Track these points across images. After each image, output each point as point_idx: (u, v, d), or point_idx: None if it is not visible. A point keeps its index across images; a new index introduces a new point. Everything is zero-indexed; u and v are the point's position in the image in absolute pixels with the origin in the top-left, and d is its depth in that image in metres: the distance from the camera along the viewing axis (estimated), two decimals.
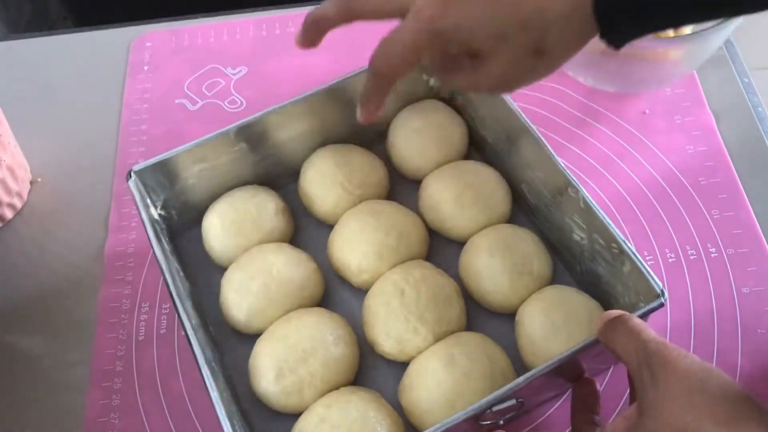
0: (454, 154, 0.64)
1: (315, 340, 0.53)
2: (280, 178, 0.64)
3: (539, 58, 0.42)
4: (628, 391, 0.53)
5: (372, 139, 0.66)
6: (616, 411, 0.54)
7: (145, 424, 0.55)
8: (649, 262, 0.60)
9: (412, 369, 0.53)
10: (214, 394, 0.47)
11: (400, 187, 0.65)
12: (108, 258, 0.63)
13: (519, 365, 0.54)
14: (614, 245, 0.51)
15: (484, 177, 0.61)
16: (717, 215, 0.62)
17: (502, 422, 0.49)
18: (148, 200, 0.57)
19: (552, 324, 0.52)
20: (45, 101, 0.75)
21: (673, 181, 0.64)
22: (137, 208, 0.55)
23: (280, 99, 0.59)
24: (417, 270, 0.56)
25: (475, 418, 0.46)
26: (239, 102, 0.73)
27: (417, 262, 0.57)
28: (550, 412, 0.54)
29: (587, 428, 0.47)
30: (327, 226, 0.62)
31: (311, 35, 0.50)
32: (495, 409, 0.46)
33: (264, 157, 0.62)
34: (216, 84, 0.75)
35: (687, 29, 0.68)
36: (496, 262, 0.56)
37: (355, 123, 0.64)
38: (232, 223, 0.59)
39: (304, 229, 0.64)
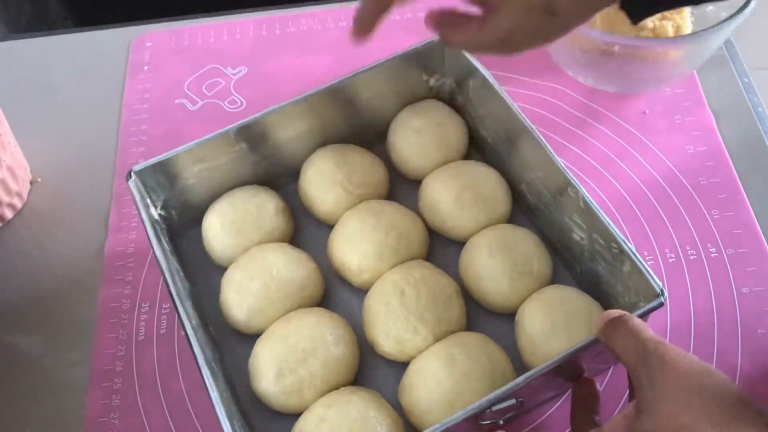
0: (454, 154, 0.64)
1: (315, 340, 0.53)
2: (280, 178, 0.64)
3: (550, 17, 0.41)
4: (628, 390, 0.53)
5: (372, 139, 0.66)
6: (616, 411, 0.54)
7: (145, 424, 0.55)
8: (649, 262, 0.60)
9: (412, 369, 0.53)
10: (214, 394, 0.47)
11: (400, 187, 0.65)
12: (108, 258, 0.63)
13: (519, 365, 0.54)
14: (614, 245, 0.51)
15: (484, 177, 0.61)
16: (717, 215, 0.62)
17: (502, 422, 0.49)
18: (148, 200, 0.57)
19: (552, 324, 0.52)
20: (45, 101, 0.75)
21: (673, 181, 0.64)
22: (137, 208, 0.55)
23: (280, 99, 0.59)
24: (417, 270, 0.56)
25: (475, 418, 0.46)
26: (239, 102, 0.73)
27: (417, 262, 0.57)
28: (550, 412, 0.54)
29: (587, 428, 0.47)
30: (327, 226, 0.62)
31: (363, 25, 0.48)
32: (495, 408, 0.46)
33: (264, 157, 0.62)
34: (216, 84, 0.75)
35: (687, 29, 0.68)
36: (496, 262, 0.56)
37: (356, 123, 0.64)
38: (232, 223, 0.59)
39: (304, 229, 0.64)
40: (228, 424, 0.46)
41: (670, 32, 0.66)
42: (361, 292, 0.58)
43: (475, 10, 0.46)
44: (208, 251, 0.61)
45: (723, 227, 0.62)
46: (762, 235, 0.61)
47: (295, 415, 0.52)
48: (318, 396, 0.52)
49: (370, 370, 0.56)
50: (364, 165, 0.62)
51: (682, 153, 0.66)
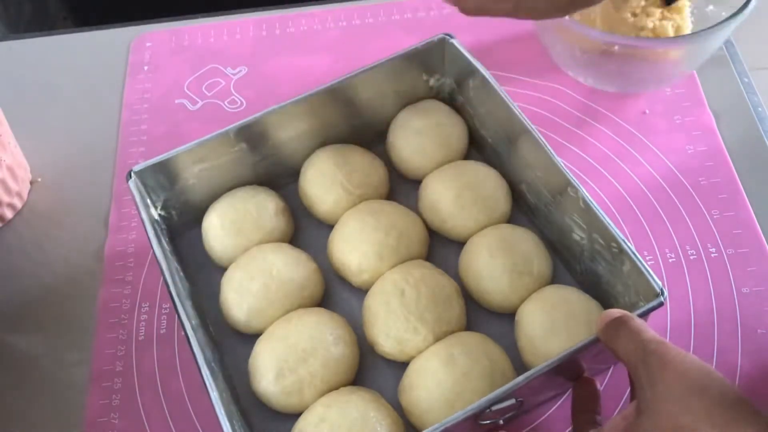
0: (454, 154, 0.64)
1: (315, 340, 0.53)
2: (280, 178, 0.64)
3: None
4: (629, 390, 0.53)
5: (372, 139, 0.66)
6: (616, 411, 0.54)
7: (145, 424, 0.55)
8: (649, 262, 0.60)
9: (412, 369, 0.53)
10: (214, 394, 0.47)
11: (400, 187, 0.65)
12: (108, 258, 0.63)
13: (519, 365, 0.54)
14: (614, 245, 0.51)
15: (484, 177, 0.61)
16: (717, 215, 0.62)
17: (501, 422, 0.49)
18: (148, 200, 0.57)
19: (552, 324, 0.52)
20: (45, 101, 0.75)
21: (673, 181, 0.64)
22: (137, 208, 0.55)
23: (280, 99, 0.59)
24: (417, 270, 0.56)
25: (475, 418, 0.46)
26: (239, 102, 0.73)
27: (417, 262, 0.57)
28: (550, 412, 0.54)
29: (588, 428, 0.47)
30: (327, 226, 0.62)
31: None
32: (494, 408, 0.46)
33: (264, 157, 0.62)
34: (216, 84, 0.75)
35: (687, 29, 0.68)
36: (496, 262, 0.56)
37: (356, 123, 0.64)
38: (232, 223, 0.59)
39: (304, 229, 0.64)
40: (228, 424, 0.46)
41: (670, 32, 0.66)
42: (361, 292, 0.58)
43: None
44: (208, 251, 0.61)
45: (723, 227, 0.62)
46: (762, 235, 0.61)
47: (295, 415, 0.52)
48: (318, 396, 0.52)
49: (370, 370, 0.56)
50: (364, 165, 0.62)
51: (682, 153, 0.66)
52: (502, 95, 0.58)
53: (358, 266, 0.58)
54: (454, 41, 0.61)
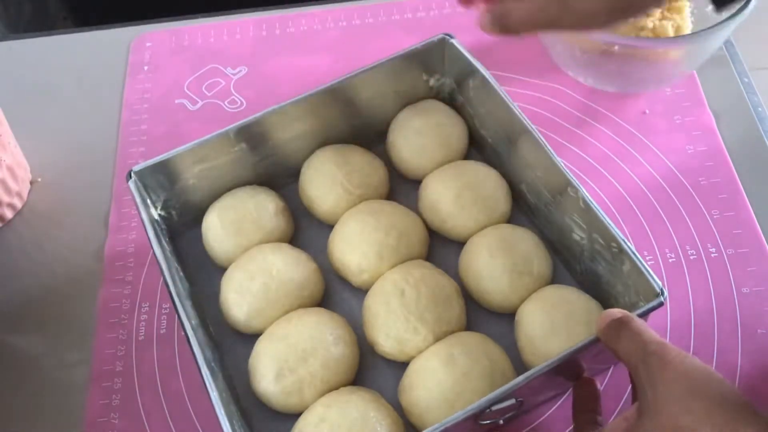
0: (454, 154, 0.64)
1: (315, 340, 0.53)
2: (280, 178, 0.64)
3: None
4: (629, 389, 0.53)
5: (372, 139, 0.66)
6: (617, 411, 0.54)
7: (145, 424, 0.55)
8: (649, 262, 0.60)
9: (411, 369, 0.53)
10: (214, 394, 0.47)
11: (400, 187, 0.65)
12: (108, 258, 0.63)
13: (519, 365, 0.54)
14: (614, 245, 0.51)
15: (484, 177, 0.61)
16: (717, 215, 0.62)
17: (501, 422, 0.49)
18: (148, 200, 0.57)
19: (552, 323, 0.52)
20: (45, 101, 0.75)
21: (673, 181, 0.64)
22: (137, 208, 0.55)
23: (280, 99, 0.59)
24: (417, 270, 0.56)
25: (475, 418, 0.46)
26: (239, 102, 0.73)
27: (417, 262, 0.57)
28: (550, 412, 0.54)
29: (589, 429, 0.47)
30: (327, 226, 0.62)
31: None
32: (494, 408, 0.46)
33: (264, 157, 0.62)
34: (216, 84, 0.75)
35: (687, 29, 0.68)
36: (496, 262, 0.56)
37: (356, 123, 0.64)
38: (232, 223, 0.59)
39: (304, 229, 0.64)
40: (228, 424, 0.46)
41: (670, 32, 0.66)
42: (361, 292, 0.58)
43: None
44: (208, 251, 0.61)
45: (723, 227, 0.62)
46: (762, 235, 0.61)
47: (295, 415, 0.52)
48: (318, 396, 0.52)
49: (370, 370, 0.56)
50: (364, 165, 0.62)
51: (682, 153, 0.66)
52: (502, 95, 0.58)
53: (358, 266, 0.57)
54: (454, 41, 0.61)
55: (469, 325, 0.56)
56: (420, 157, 0.63)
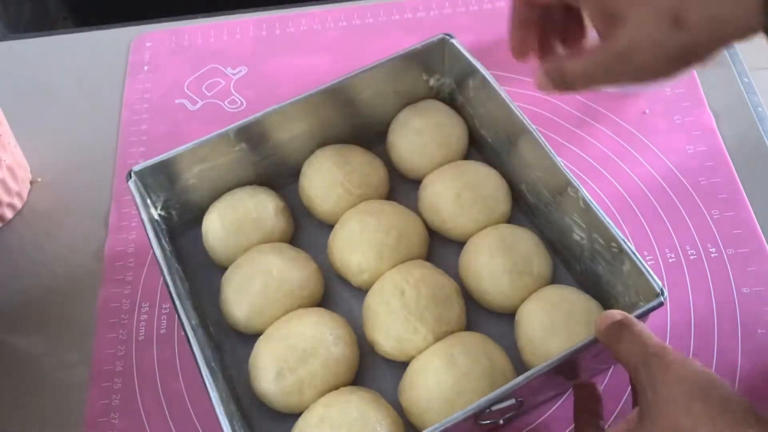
0: (454, 154, 0.64)
1: (315, 340, 0.53)
2: (280, 178, 0.64)
3: (676, 28, 0.36)
4: (629, 391, 0.53)
5: (372, 139, 0.66)
6: (617, 411, 0.54)
7: (145, 424, 0.55)
8: (649, 262, 0.60)
9: (411, 369, 0.53)
10: (214, 394, 0.47)
11: (400, 187, 0.65)
12: (108, 258, 0.63)
13: (519, 365, 0.54)
14: (614, 245, 0.51)
15: (484, 177, 0.61)
16: (717, 215, 0.62)
17: (501, 422, 0.49)
18: (148, 200, 0.57)
19: (552, 323, 0.52)
20: (45, 101, 0.75)
21: (673, 181, 0.64)
22: (137, 208, 0.55)
23: (280, 99, 0.59)
24: (417, 270, 0.56)
25: (475, 418, 0.46)
26: (239, 102, 0.73)
27: (417, 262, 0.57)
28: (550, 412, 0.54)
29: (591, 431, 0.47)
30: (327, 226, 0.62)
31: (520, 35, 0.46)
32: (494, 408, 0.46)
33: (264, 157, 0.62)
34: (216, 84, 0.75)
35: None
36: (496, 262, 0.56)
37: (356, 123, 0.64)
38: (232, 223, 0.59)
39: (304, 229, 0.64)
40: (228, 424, 0.46)
41: None
42: (361, 292, 0.58)
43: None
44: (208, 251, 0.61)
45: (723, 227, 0.62)
46: (762, 235, 0.61)
47: (295, 415, 0.52)
48: (318, 396, 0.52)
49: (370, 370, 0.56)
50: (364, 165, 0.62)
51: (682, 153, 0.66)
52: (502, 95, 0.58)
53: (358, 266, 0.57)
54: (454, 41, 0.61)
55: (469, 325, 0.56)
56: (420, 157, 0.63)
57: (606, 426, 0.47)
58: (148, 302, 0.61)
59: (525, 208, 0.62)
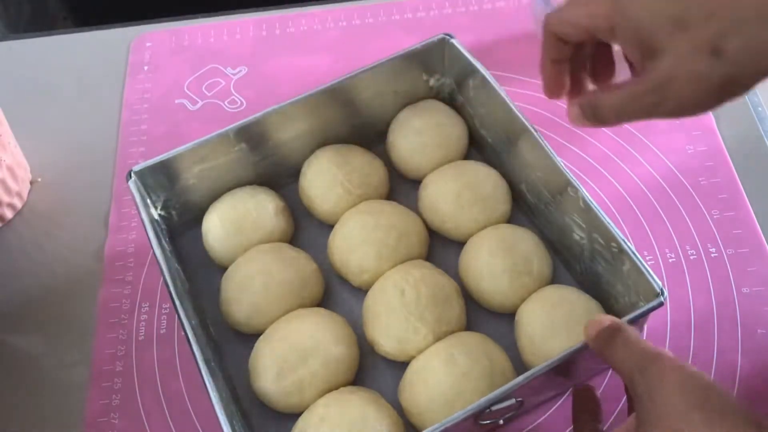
0: (454, 154, 0.64)
1: (315, 340, 0.53)
2: (280, 178, 0.64)
3: (715, 60, 0.36)
4: (625, 398, 0.53)
5: (372, 139, 0.66)
6: (616, 411, 0.54)
7: (145, 424, 0.55)
8: (649, 262, 0.60)
9: (411, 368, 0.53)
10: (214, 394, 0.47)
11: (400, 187, 0.65)
12: (108, 258, 0.63)
13: (519, 365, 0.54)
14: (614, 244, 0.51)
15: (484, 177, 0.61)
16: (717, 215, 0.62)
17: (501, 422, 0.49)
18: (148, 200, 0.57)
19: (552, 323, 0.52)
20: (45, 101, 0.75)
21: (673, 181, 0.64)
22: (137, 208, 0.55)
23: (280, 99, 0.59)
24: (417, 270, 0.56)
25: (475, 418, 0.46)
26: (239, 102, 0.73)
27: (417, 262, 0.57)
28: (550, 412, 0.54)
29: None
30: (327, 226, 0.62)
31: (552, 77, 0.46)
32: (494, 408, 0.46)
33: (264, 157, 0.62)
34: (216, 84, 0.75)
35: None
36: (496, 262, 0.56)
37: (356, 123, 0.64)
38: (232, 223, 0.59)
39: (304, 229, 0.64)
40: (228, 424, 0.46)
41: None
42: (361, 292, 0.58)
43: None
44: (208, 251, 0.61)
45: (723, 227, 0.62)
46: (762, 235, 0.61)
47: (295, 415, 0.52)
48: (318, 396, 0.52)
49: (370, 370, 0.56)
50: (364, 165, 0.62)
51: (682, 153, 0.66)
52: (502, 95, 0.58)
53: (358, 266, 0.57)
54: (454, 41, 0.61)
55: (469, 325, 0.56)
56: (420, 157, 0.63)
57: (604, 429, 0.47)
58: (148, 302, 0.61)
59: (525, 208, 0.62)
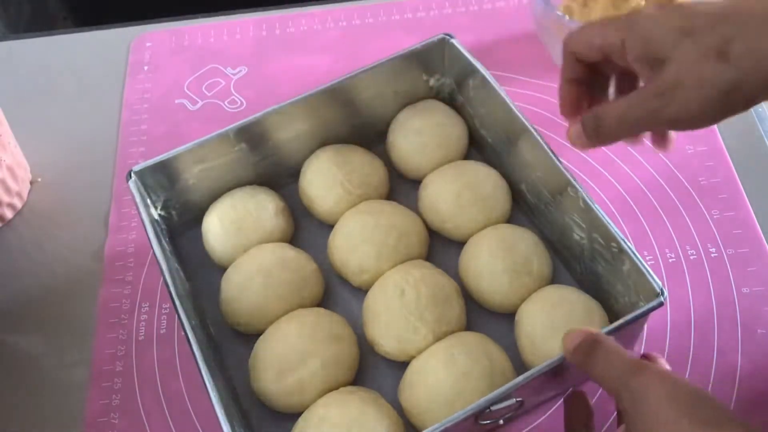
0: (454, 154, 0.64)
1: (315, 340, 0.53)
2: (280, 178, 0.65)
3: (721, 62, 0.36)
4: (616, 413, 0.52)
5: (372, 139, 0.66)
6: (613, 416, 0.53)
7: (145, 424, 0.55)
8: (649, 262, 0.60)
9: (411, 368, 0.53)
10: (214, 394, 0.47)
11: (400, 187, 0.65)
12: (108, 258, 0.63)
13: (519, 365, 0.54)
14: (614, 244, 0.51)
15: (483, 177, 0.61)
16: (717, 215, 0.62)
17: (502, 422, 0.49)
18: (148, 200, 0.57)
19: (552, 323, 0.52)
20: (45, 101, 0.75)
21: (673, 181, 0.64)
22: (137, 208, 0.55)
23: (280, 99, 0.59)
24: (417, 270, 0.56)
25: (475, 418, 0.46)
26: (239, 102, 0.73)
27: (417, 262, 0.57)
28: (550, 412, 0.54)
29: None
30: (327, 226, 0.62)
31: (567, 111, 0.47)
32: (494, 408, 0.46)
33: (264, 157, 0.62)
34: (216, 84, 0.75)
35: None
36: (496, 262, 0.56)
37: (356, 123, 0.64)
38: (232, 223, 0.59)
39: (304, 229, 0.64)
40: (228, 424, 0.46)
41: None
42: (361, 292, 0.58)
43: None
44: (208, 251, 0.61)
45: (723, 227, 0.62)
46: (762, 235, 0.61)
47: (295, 415, 0.52)
48: (318, 396, 0.52)
49: (370, 370, 0.56)
50: (364, 165, 0.62)
51: (682, 153, 0.66)
52: (502, 95, 0.58)
53: (358, 266, 0.57)
54: (454, 41, 0.61)
55: (469, 325, 0.56)
56: (420, 157, 0.63)
57: None
58: (148, 302, 0.61)
59: (525, 208, 0.62)
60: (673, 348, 0.56)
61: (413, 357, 0.54)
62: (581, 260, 0.56)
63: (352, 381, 0.54)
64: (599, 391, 0.54)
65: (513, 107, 0.57)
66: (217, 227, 0.60)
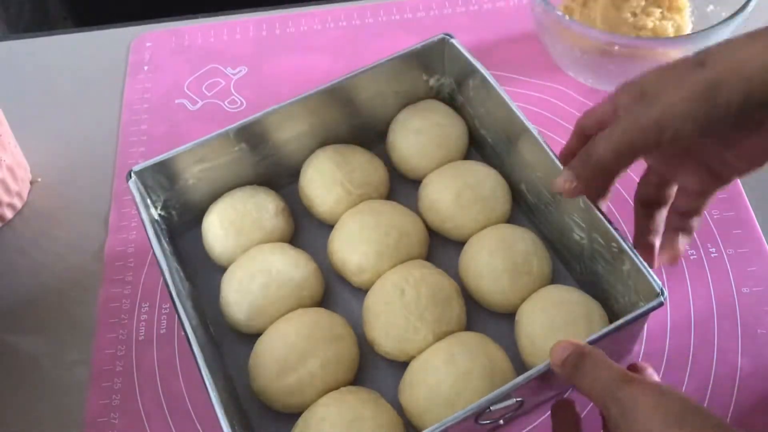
0: (454, 154, 0.64)
1: (315, 340, 0.53)
2: (280, 178, 0.65)
3: (699, 68, 0.40)
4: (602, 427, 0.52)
5: (372, 139, 0.66)
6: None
7: (145, 424, 0.55)
8: None
9: (411, 368, 0.53)
10: (214, 394, 0.47)
11: (400, 187, 0.65)
12: (108, 258, 0.63)
13: (519, 365, 0.54)
14: (614, 244, 0.51)
15: (483, 177, 0.61)
16: (717, 215, 0.62)
17: (502, 422, 0.49)
18: (148, 200, 0.57)
19: (552, 323, 0.52)
20: (45, 101, 0.75)
21: None
22: (137, 208, 0.55)
23: (280, 99, 0.59)
24: (417, 270, 0.56)
25: (475, 418, 0.46)
26: (239, 102, 0.73)
27: (417, 262, 0.57)
28: (549, 412, 0.54)
29: None
30: (327, 226, 0.62)
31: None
32: (494, 408, 0.46)
33: (264, 157, 0.62)
34: (216, 84, 0.75)
35: (687, 29, 0.68)
36: (496, 262, 0.56)
37: (356, 123, 0.64)
38: (232, 223, 0.59)
39: (304, 229, 0.64)
40: (228, 424, 0.46)
41: (670, 32, 0.66)
42: (361, 292, 0.58)
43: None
44: (208, 251, 0.61)
45: (723, 227, 0.62)
46: (762, 235, 0.61)
47: (295, 415, 0.52)
48: (318, 396, 0.52)
49: (370, 370, 0.56)
50: (364, 165, 0.62)
51: None
52: (502, 95, 0.58)
53: (358, 266, 0.58)
54: (454, 41, 0.61)
55: (469, 325, 0.56)
56: (420, 157, 0.63)
57: None
58: (148, 302, 0.61)
59: (525, 208, 0.62)
60: (673, 348, 0.56)
61: (413, 357, 0.54)
62: (581, 260, 0.56)
63: (352, 381, 0.54)
64: (591, 404, 0.54)
65: (513, 107, 0.57)
66: (217, 227, 0.60)
